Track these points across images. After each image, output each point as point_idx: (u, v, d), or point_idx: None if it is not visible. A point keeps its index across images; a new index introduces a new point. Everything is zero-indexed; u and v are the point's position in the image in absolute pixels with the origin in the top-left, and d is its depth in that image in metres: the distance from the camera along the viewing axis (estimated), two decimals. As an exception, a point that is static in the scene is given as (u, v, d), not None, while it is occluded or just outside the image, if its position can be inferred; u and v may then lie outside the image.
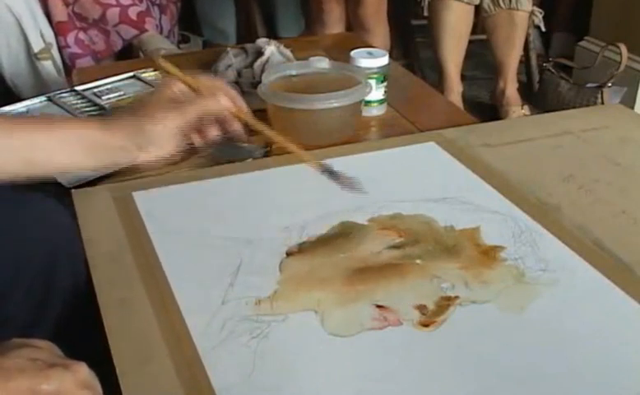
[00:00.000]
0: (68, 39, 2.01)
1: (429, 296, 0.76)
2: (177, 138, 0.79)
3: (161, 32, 2.10)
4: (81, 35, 2.02)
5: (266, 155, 1.12)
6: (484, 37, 2.30)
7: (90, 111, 1.28)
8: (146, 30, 2.01)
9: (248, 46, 1.43)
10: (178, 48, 2.19)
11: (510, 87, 2.22)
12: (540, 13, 2.22)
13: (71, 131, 0.78)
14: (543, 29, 2.29)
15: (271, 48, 1.36)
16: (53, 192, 0.94)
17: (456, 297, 0.76)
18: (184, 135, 0.80)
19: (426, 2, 2.19)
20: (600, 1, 2.38)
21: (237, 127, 0.82)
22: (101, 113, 1.26)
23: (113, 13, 2.00)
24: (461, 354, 0.69)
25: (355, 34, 2.09)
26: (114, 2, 2.00)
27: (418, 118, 1.26)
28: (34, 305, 0.85)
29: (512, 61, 2.19)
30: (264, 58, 1.35)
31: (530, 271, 0.80)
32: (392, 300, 0.76)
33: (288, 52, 1.39)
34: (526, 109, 2.21)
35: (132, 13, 2.01)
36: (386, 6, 2.16)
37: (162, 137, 0.78)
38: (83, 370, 0.57)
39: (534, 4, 2.20)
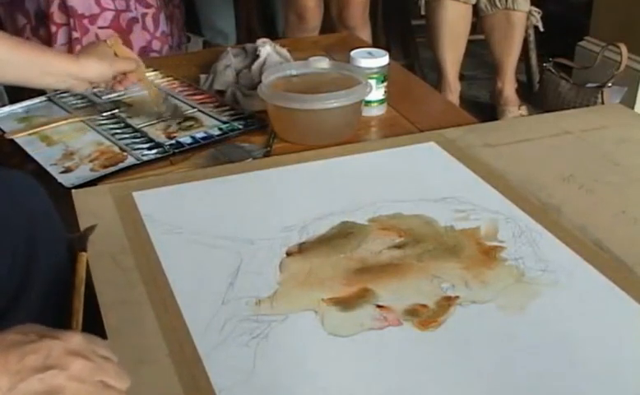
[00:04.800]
0: None
1: (430, 296, 0.76)
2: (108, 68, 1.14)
3: (172, 38, 2.09)
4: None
5: (266, 155, 1.12)
6: (483, 37, 2.30)
7: (90, 111, 1.27)
8: (155, 36, 2.00)
9: (248, 46, 1.43)
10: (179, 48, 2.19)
11: (508, 87, 2.21)
12: (538, 13, 2.21)
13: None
14: (541, 29, 2.29)
15: (267, 49, 1.36)
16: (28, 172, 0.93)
17: (457, 297, 0.76)
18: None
19: (423, 1, 2.19)
20: (600, 1, 2.37)
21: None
22: (101, 112, 1.26)
23: (112, 14, 2.00)
24: (461, 354, 0.69)
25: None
26: (112, 5, 1.99)
27: (418, 118, 1.26)
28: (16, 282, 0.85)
29: (510, 61, 2.19)
30: (261, 59, 1.34)
31: (530, 271, 0.80)
32: (392, 300, 0.76)
33: (285, 52, 1.39)
34: (523, 110, 2.21)
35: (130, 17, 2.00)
36: (368, 6, 2.18)
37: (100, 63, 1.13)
38: (75, 339, 0.57)
39: (532, 4, 2.19)
